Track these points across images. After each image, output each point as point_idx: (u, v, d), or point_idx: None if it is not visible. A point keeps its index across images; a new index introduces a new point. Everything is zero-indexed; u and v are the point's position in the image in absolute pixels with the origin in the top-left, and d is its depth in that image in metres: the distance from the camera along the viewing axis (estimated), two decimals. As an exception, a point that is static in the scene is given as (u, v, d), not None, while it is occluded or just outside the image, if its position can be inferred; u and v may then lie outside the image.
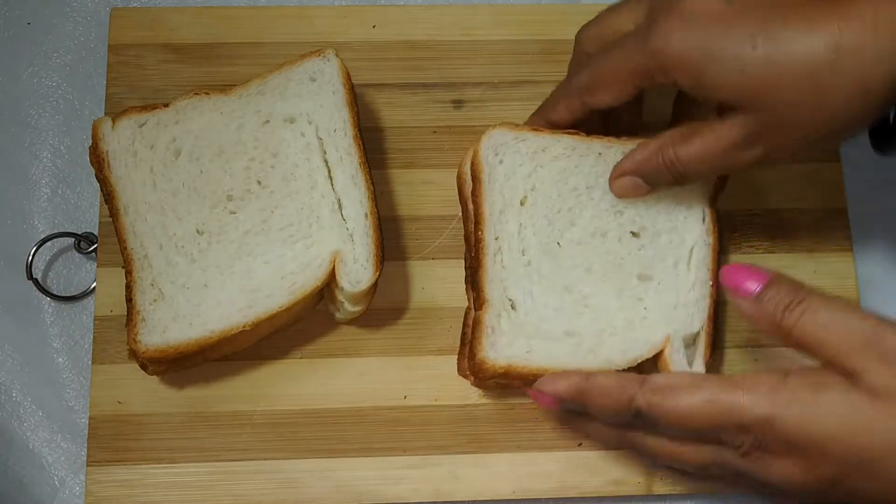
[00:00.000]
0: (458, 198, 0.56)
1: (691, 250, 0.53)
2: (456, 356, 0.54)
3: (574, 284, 0.51)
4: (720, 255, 0.54)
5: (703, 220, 0.52)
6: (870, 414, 0.38)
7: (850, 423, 0.39)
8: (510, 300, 0.51)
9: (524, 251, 0.51)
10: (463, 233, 0.56)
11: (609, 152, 0.53)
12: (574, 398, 0.45)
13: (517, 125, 0.53)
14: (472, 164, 0.53)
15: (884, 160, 0.52)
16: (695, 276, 0.52)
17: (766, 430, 0.40)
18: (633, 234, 0.52)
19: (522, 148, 0.53)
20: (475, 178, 0.52)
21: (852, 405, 0.39)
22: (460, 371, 0.53)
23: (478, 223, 0.51)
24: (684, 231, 0.52)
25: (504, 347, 0.50)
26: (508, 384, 0.51)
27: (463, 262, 0.55)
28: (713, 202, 0.53)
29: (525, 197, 0.53)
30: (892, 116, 0.49)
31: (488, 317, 0.50)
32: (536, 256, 0.51)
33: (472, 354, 0.50)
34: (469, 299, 0.53)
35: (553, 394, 0.45)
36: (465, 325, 0.53)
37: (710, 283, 0.52)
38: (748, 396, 0.40)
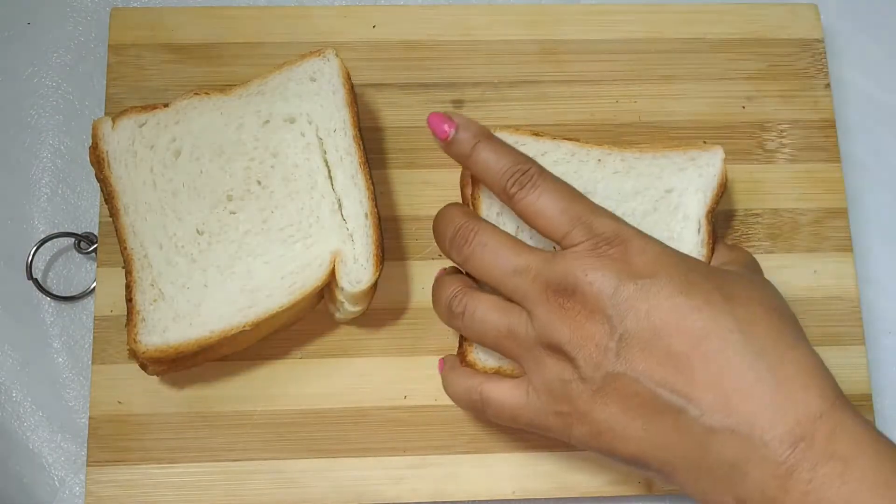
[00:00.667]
0: (458, 198, 0.56)
1: None
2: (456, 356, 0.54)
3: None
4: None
5: (699, 230, 0.52)
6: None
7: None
8: None
9: (529, 234, 0.51)
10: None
11: (609, 158, 0.53)
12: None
13: (517, 128, 0.53)
14: None
15: (884, 159, 0.52)
16: None
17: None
18: None
19: (523, 151, 0.53)
20: (474, 182, 0.52)
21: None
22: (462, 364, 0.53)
23: (474, 196, 0.51)
24: (679, 241, 0.52)
25: (488, 356, 0.49)
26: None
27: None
28: (710, 214, 0.53)
29: None
30: None
31: None
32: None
33: (463, 355, 0.50)
34: None
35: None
36: None
37: None
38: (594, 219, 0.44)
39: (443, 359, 0.52)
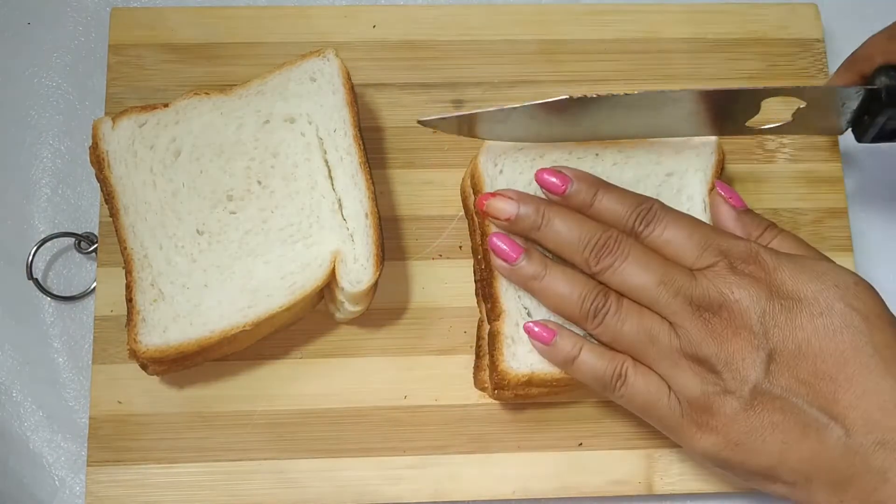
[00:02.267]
0: (458, 198, 0.56)
1: None
2: (456, 356, 0.54)
3: None
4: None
5: (705, 209, 0.53)
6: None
7: None
8: (525, 308, 0.51)
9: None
10: (467, 234, 0.56)
11: (606, 152, 0.53)
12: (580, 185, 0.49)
13: None
14: (473, 176, 0.53)
15: (884, 159, 0.53)
16: None
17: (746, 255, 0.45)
18: None
19: (521, 157, 0.53)
20: (476, 191, 0.52)
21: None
22: (478, 384, 0.53)
23: (484, 234, 0.51)
24: None
25: (525, 355, 0.50)
26: (527, 394, 0.51)
27: (465, 263, 0.55)
28: (713, 193, 0.53)
29: None
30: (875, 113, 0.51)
31: (506, 327, 0.50)
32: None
33: (494, 366, 0.50)
34: (481, 311, 0.53)
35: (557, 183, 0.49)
36: (478, 337, 0.53)
37: None
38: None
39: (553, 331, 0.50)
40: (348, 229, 0.51)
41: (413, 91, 0.59)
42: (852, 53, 0.54)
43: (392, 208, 0.57)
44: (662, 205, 0.49)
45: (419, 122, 0.52)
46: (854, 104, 0.52)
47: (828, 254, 0.57)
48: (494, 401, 0.54)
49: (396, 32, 0.60)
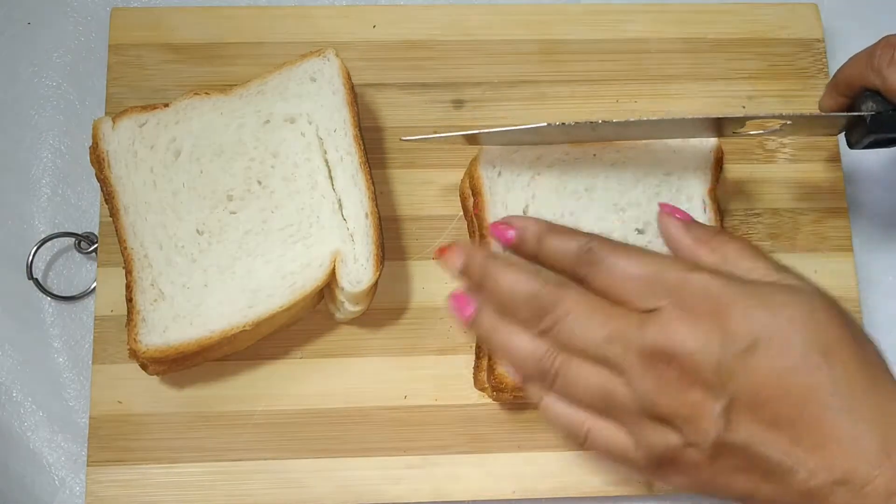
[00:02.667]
0: (458, 198, 0.56)
1: None
2: (456, 356, 0.54)
3: None
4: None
5: (705, 209, 0.53)
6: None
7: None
8: None
9: None
10: (467, 234, 0.56)
11: (604, 152, 0.53)
12: (524, 242, 0.46)
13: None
14: (471, 179, 0.53)
15: (884, 159, 0.53)
16: None
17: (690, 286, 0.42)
18: (638, 230, 0.52)
19: (518, 158, 0.53)
20: (475, 193, 0.52)
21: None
22: (478, 384, 0.53)
23: (483, 237, 0.51)
24: None
25: None
26: (526, 396, 0.51)
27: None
28: (713, 192, 0.53)
29: (527, 206, 0.53)
30: (866, 118, 0.50)
31: None
32: None
33: (492, 369, 0.50)
34: None
35: (509, 237, 0.46)
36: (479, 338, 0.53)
37: None
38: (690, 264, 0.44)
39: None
40: (348, 229, 0.51)
41: (413, 91, 0.59)
42: (837, 72, 0.53)
43: (392, 208, 0.57)
44: (603, 243, 0.45)
45: (402, 140, 0.53)
46: (842, 123, 0.52)
47: (828, 254, 0.57)
48: (494, 401, 0.54)
49: (396, 32, 0.60)
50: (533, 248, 0.46)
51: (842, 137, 0.56)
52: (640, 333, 0.42)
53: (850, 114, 0.51)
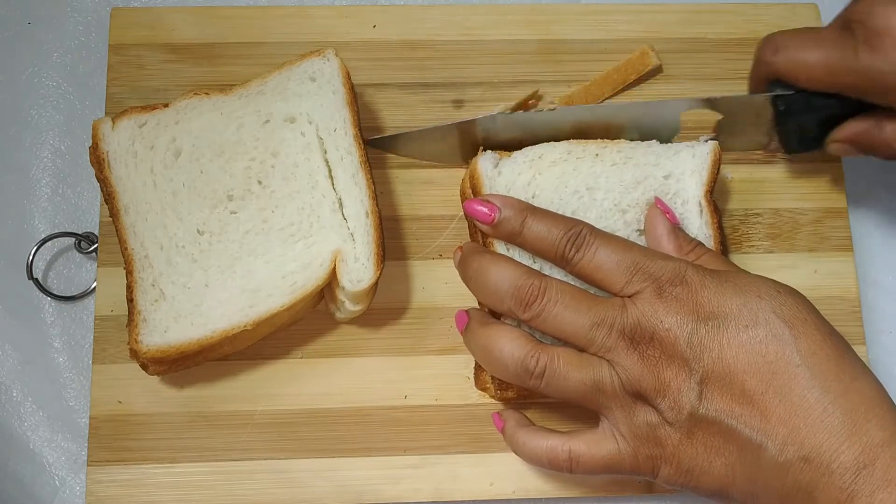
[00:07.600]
0: (458, 198, 0.56)
1: None
2: (456, 356, 0.54)
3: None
4: (725, 253, 0.54)
5: (701, 212, 0.53)
6: None
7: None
8: None
9: (534, 259, 0.51)
10: (468, 234, 0.56)
11: (605, 151, 0.53)
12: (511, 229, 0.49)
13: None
14: (472, 178, 0.53)
15: (884, 159, 0.53)
16: None
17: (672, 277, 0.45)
18: (640, 231, 0.52)
19: (519, 157, 0.53)
20: (476, 192, 0.52)
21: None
22: (479, 384, 0.53)
23: (485, 236, 0.51)
24: (685, 225, 0.52)
25: None
26: (529, 395, 0.51)
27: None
28: (709, 195, 0.53)
29: None
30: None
31: None
32: (548, 262, 0.51)
33: (483, 382, 0.50)
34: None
35: (494, 216, 0.49)
36: None
37: None
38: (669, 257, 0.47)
39: (499, 414, 0.51)
40: (349, 229, 0.52)
41: (413, 91, 0.59)
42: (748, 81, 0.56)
43: (392, 208, 0.57)
44: (592, 228, 0.48)
45: (367, 141, 0.54)
46: (768, 114, 0.55)
47: (828, 254, 0.57)
48: (495, 401, 0.54)
49: (396, 32, 0.60)
50: (514, 228, 0.49)
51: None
52: (623, 315, 0.45)
53: (753, 94, 0.55)
